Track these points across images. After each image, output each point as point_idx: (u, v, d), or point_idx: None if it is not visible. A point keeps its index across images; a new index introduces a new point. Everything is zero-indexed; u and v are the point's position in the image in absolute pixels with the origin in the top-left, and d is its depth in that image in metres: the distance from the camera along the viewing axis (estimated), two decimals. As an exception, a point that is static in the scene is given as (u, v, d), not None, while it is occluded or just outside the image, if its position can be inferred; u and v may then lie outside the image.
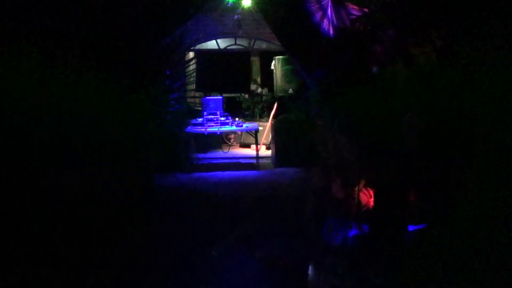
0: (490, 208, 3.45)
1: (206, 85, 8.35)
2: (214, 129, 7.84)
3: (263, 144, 9.25)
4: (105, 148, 4.95)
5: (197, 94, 9.02)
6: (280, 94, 8.31)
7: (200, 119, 7.94)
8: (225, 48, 9.40)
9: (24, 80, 4.41)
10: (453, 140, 3.82)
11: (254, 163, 8.04)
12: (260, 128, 8.85)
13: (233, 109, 9.95)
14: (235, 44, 9.39)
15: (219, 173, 7.59)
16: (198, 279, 3.93)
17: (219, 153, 9.15)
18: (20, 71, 4.44)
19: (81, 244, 4.34)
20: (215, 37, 8.90)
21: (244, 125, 8.23)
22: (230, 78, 10.63)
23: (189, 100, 7.39)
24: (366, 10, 5.49)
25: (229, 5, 8.08)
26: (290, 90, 8.08)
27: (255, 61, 11.74)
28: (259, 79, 11.73)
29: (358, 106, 4.66)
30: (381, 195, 2.69)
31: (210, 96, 9.44)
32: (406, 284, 2.76)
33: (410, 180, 2.70)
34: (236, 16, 8.21)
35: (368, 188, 2.64)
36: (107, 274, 3.99)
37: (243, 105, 10.81)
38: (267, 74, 9.46)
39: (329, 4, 5.72)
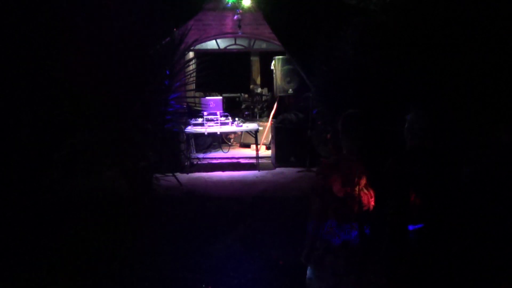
0: (490, 207, 3.45)
1: (206, 85, 8.33)
2: (214, 129, 7.83)
3: (263, 144, 9.24)
4: (105, 149, 4.95)
5: (197, 94, 9.02)
6: (280, 94, 8.31)
7: (200, 119, 7.94)
8: (225, 48, 9.40)
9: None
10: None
11: (254, 163, 8.04)
12: (260, 128, 8.85)
13: (233, 109, 9.96)
14: (235, 44, 9.39)
15: (219, 173, 7.60)
16: (198, 278, 3.93)
17: (219, 153, 9.15)
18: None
19: (81, 244, 4.34)
20: (215, 37, 8.90)
21: (244, 125, 8.22)
22: (230, 78, 10.63)
23: (189, 100, 7.38)
24: None
25: (229, 5, 8.07)
26: (290, 90, 8.07)
27: (255, 61, 11.75)
28: (259, 79, 11.73)
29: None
30: (382, 195, 2.69)
31: (210, 96, 9.44)
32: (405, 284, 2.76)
33: (410, 179, 2.69)
34: (236, 16, 8.21)
35: (369, 188, 2.64)
36: (107, 274, 4.00)
37: (243, 105, 10.82)
38: (267, 74, 9.46)
39: None
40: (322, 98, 6.03)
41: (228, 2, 7.97)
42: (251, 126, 8.27)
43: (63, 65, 4.66)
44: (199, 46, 8.64)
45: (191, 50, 8.49)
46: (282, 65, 8.10)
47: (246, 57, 11.37)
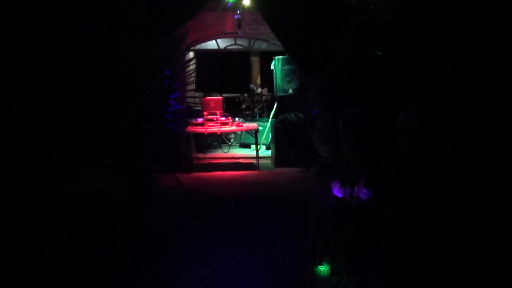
0: (488, 207, 3.46)
1: (206, 85, 8.35)
2: (214, 129, 7.83)
3: (263, 144, 9.25)
4: (105, 148, 4.96)
5: (197, 94, 9.03)
6: (280, 94, 8.31)
7: (200, 119, 7.94)
8: (225, 48, 9.41)
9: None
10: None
11: (254, 163, 8.04)
12: (260, 128, 8.84)
13: (233, 109, 9.96)
14: (235, 44, 9.40)
15: (219, 173, 7.59)
16: (198, 279, 3.93)
17: (219, 153, 9.15)
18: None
19: (80, 244, 4.34)
20: (215, 37, 8.90)
21: (244, 125, 8.23)
22: (230, 78, 10.63)
23: (189, 100, 7.40)
24: None
25: (229, 5, 8.08)
26: (290, 90, 8.08)
27: (255, 61, 11.75)
28: (259, 79, 11.73)
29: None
30: (382, 195, 2.69)
31: (210, 96, 9.45)
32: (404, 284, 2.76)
33: (409, 179, 2.70)
34: (236, 16, 8.22)
35: (368, 188, 2.64)
36: (107, 274, 4.00)
37: (243, 105, 10.81)
38: (267, 74, 9.46)
39: None
40: (322, 98, 6.04)
41: (228, 2, 7.97)
42: (251, 126, 8.27)
43: (63, 65, 4.66)
44: (199, 46, 8.65)
45: (191, 50, 8.51)
46: (282, 65, 8.10)
47: (246, 57, 11.36)
